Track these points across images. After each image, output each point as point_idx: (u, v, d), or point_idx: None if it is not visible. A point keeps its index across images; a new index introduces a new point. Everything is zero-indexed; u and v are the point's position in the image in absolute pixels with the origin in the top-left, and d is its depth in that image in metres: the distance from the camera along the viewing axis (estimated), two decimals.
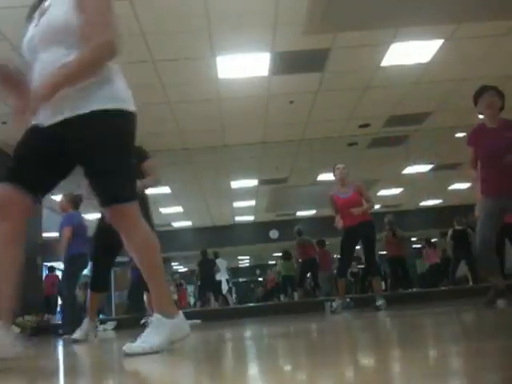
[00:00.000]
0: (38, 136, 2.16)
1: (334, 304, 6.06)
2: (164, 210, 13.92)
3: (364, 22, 5.65)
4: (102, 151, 2.07)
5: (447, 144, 10.36)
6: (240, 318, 7.14)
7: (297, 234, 10.86)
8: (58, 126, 2.09)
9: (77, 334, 4.30)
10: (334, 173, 6.24)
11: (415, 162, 11.34)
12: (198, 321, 5.99)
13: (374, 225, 6.17)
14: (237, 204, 14.29)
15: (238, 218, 16.27)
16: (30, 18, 2.25)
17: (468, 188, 13.95)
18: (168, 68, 6.27)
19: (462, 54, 6.66)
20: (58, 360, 2.87)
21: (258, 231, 16.62)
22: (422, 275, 14.96)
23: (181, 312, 2.35)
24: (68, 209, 6.47)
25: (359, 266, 13.81)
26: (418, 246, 17.23)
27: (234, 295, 17.74)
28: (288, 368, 1.49)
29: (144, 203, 4.14)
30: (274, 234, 16.38)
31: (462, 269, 11.23)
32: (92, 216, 13.30)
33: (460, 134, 9.88)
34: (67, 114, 2.07)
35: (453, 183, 13.72)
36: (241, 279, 26.93)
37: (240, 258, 25.07)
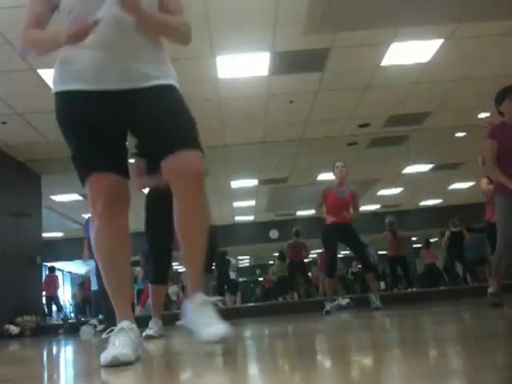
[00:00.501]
0: (96, 104, 1.91)
1: (327, 305, 5.97)
2: None
3: (364, 22, 5.65)
4: (175, 109, 1.94)
5: (447, 144, 10.37)
6: (240, 317, 7.14)
7: (294, 235, 10.87)
8: (128, 93, 1.90)
9: (151, 331, 3.85)
10: (333, 171, 6.15)
11: (415, 162, 11.33)
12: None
13: (354, 227, 6.07)
14: (237, 204, 14.29)
15: (237, 218, 16.27)
16: None
17: (468, 188, 13.97)
18: None
19: (461, 53, 6.66)
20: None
21: (257, 231, 16.62)
22: (421, 275, 14.96)
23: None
24: None
25: (360, 266, 13.81)
26: (418, 245, 17.23)
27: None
28: (286, 369, 1.49)
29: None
30: (273, 233, 16.38)
31: (458, 270, 11.29)
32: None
33: (460, 134, 9.89)
34: (143, 82, 1.91)
35: (453, 183, 13.72)
36: (241, 279, 26.93)
37: (240, 257, 25.08)
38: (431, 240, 14.98)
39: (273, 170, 11.26)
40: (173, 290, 12.29)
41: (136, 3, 1.82)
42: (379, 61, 6.69)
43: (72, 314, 14.15)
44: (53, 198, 11.60)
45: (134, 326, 1.89)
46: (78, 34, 1.77)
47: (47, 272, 13.27)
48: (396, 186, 13.75)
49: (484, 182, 6.00)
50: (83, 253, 6.64)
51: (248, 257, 25.87)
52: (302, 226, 11.76)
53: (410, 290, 10.09)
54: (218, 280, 11.81)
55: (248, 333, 3.69)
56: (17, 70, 6.14)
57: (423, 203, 15.58)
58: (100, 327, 7.76)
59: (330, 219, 5.79)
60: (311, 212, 16.31)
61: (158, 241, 3.91)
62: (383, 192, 14.00)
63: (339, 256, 12.17)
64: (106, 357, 1.72)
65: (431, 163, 11.77)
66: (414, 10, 5.38)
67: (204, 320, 1.80)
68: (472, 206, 13.97)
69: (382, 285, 10.65)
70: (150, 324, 3.91)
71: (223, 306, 5.89)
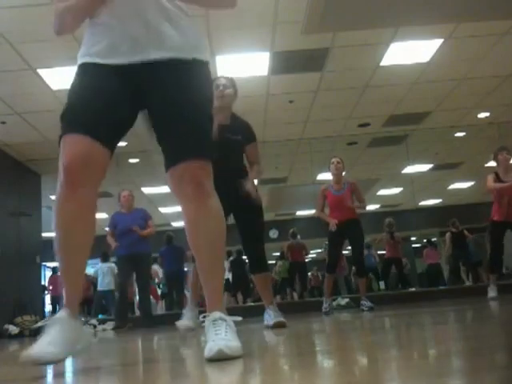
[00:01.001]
0: (107, 75, 1.77)
1: (325, 304, 5.82)
2: (164, 210, 13.92)
3: (363, 22, 5.65)
4: (194, 100, 1.77)
5: (447, 143, 10.38)
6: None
7: (291, 236, 10.85)
8: (143, 66, 1.76)
9: (186, 321, 3.70)
10: (329, 167, 6.00)
11: (415, 162, 11.34)
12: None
13: (361, 224, 5.91)
14: None
15: None
16: None
17: (468, 187, 13.98)
18: None
19: (461, 53, 6.66)
20: None
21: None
22: (421, 275, 14.97)
23: None
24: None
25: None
26: (418, 245, 17.24)
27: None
28: (285, 368, 1.49)
29: None
30: (273, 233, 16.38)
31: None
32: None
33: (459, 134, 9.90)
34: (159, 54, 1.76)
35: (452, 183, 13.72)
36: None
37: (237, 256, 25.06)
38: (432, 239, 14.98)
39: (272, 170, 11.26)
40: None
41: None
42: (379, 60, 6.70)
43: None
44: (53, 197, 11.56)
45: (72, 318, 1.68)
46: None
47: (51, 273, 13.37)
48: (396, 186, 13.75)
49: (490, 179, 5.91)
50: (111, 245, 6.66)
51: (243, 257, 25.85)
52: (302, 226, 11.75)
53: (410, 289, 10.11)
54: (233, 280, 11.64)
55: (247, 332, 3.68)
56: (17, 70, 6.14)
57: (423, 203, 15.57)
58: (100, 327, 7.75)
59: (332, 224, 5.64)
60: (311, 212, 16.34)
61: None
62: (383, 192, 14.01)
63: (344, 253, 12.20)
64: (26, 353, 1.53)
65: (431, 163, 11.78)
66: (413, 9, 5.38)
67: (210, 336, 1.68)
68: (472, 206, 13.98)
69: (382, 285, 10.65)
70: (185, 311, 3.68)
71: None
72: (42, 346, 1.55)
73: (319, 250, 13.24)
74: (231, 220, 3.58)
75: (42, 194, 9.91)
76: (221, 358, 1.57)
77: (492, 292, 6.11)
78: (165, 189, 11.22)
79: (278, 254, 13.40)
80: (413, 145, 10.14)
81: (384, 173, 12.25)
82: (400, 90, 7.70)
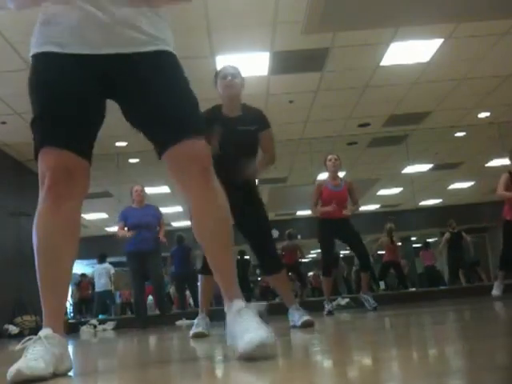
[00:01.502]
0: (74, 70, 1.66)
1: (327, 306, 5.71)
2: (164, 210, 13.89)
3: (363, 22, 5.64)
4: (173, 85, 1.71)
5: (447, 143, 10.37)
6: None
7: (287, 237, 10.86)
8: (111, 58, 1.66)
9: (200, 328, 3.46)
10: (325, 164, 5.88)
11: (415, 162, 11.34)
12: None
13: (352, 222, 5.75)
14: None
15: None
16: None
17: (468, 187, 13.97)
18: None
19: (461, 53, 6.65)
20: None
21: None
22: (421, 275, 14.97)
23: None
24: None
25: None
26: (418, 245, 17.24)
27: None
28: (285, 368, 1.49)
29: None
30: (274, 233, 16.34)
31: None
32: (91, 216, 13.33)
33: (459, 134, 9.90)
34: (131, 47, 1.68)
35: (452, 183, 13.72)
36: None
37: (239, 257, 25.06)
38: (431, 240, 14.98)
39: (272, 170, 11.24)
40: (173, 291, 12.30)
41: None
42: (379, 60, 6.69)
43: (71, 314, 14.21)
44: None
45: (57, 334, 1.59)
46: None
47: None
48: (396, 186, 13.74)
49: (502, 183, 5.87)
50: (122, 236, 6.42)
51: (248, 257, 25.84)
52: (302, 226, 11.74)
53: (410, 289, 10.13)
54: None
55: None
56: (16, 70, 6.13)
57: (423, 203, 15.57)
58: (100, 327, 7.75)
59: (329, 208, 5.49)
60: (311, 212, 16.36)
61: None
62: (383, 192, 14.00)
63: (344, 252, 12.23)
64: (10, 370, 1.42)
65: (431, 163, 11.78)
66: (413, 9, 5.38)
67: (242, 327, 1.54)
68: (472, 206, 13.99)
69: (382, 284, 10.66)
70: (197, 320, 3.53)
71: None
72: (27, 362, 1.45)
73: (319, 251, 13.24)
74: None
75: None
76: (263, 349, 1.46)
77: (497, 290, 6.04)
78: (165, 189, 11.22)
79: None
80: (413, 145, 10.14)
81: (384, 173, 12.25)
82: (400, 90, 7.69)
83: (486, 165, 11.66)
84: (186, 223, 15.13)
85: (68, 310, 13.37)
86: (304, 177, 11.70)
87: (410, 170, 11.78)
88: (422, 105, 8.36)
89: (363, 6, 5.27)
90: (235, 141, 3.39)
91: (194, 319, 3.61)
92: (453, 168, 12.05)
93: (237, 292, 1.70)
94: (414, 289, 12.04)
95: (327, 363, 1.56)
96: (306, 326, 3.29)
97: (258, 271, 24.96)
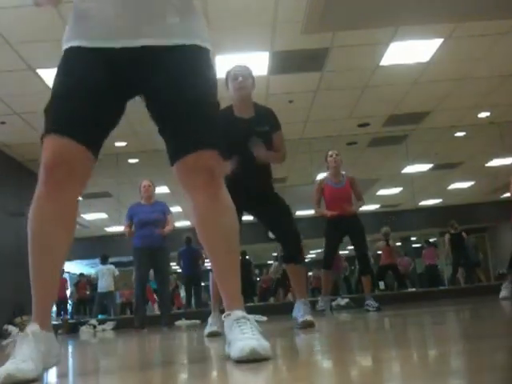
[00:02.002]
0: (99, 63, 1.65)
1: (321, 302, 5.56)
2: None
3: (363, 22, 5.64)
4: (195, 88, 1.68)
5: (447, 143, 10.37)
6: None
7: None
8: (141, 50, 1.64)
9: (215, 327, 3.44)
10: (326, 160, 5.77)
11: (415, 162, 11.34)
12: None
13: (361, 221, 5.66)
14: None
15: None
16: None
17: (468, 187, 13.97)
18: None
19: (461, 53, 6.65)
20: None
21: (257, 231, 16.59)
22: (421, 275, 14.97)
23: None
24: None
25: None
26: (418, 245, 17.24)
27: None
28: (285, 368, 1.48)
29: None
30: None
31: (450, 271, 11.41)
32: (91, 216, 13.32)
33: (459, 134, 9.89)
34: (160, 39, 1.65)
35: (452, 182, 13.72)
36: None
37: (241, 258, 25.06)
38: (431, 240, 14.98)
39: (272, 170, 11.24)
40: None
41: None
42: (378, 60, 6.69)
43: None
44: None
45: (45, 331, 1.57)
46: None
47: None
48: (395, 186, 13.74)
49: None
50: (128, 233, 6.27)
51: (248, 257, 25.87)
52: (302, 226, 11.71)
53: (410, 289, 10.16)
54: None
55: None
56: (16, 70, 6.14)
57: (423, 203, 15.58)
58: (100, 327, 7.75)
59: (329, 213, 5.44)
60: (311, 212, 16.34)
61: None
62: (383, 192, 14.00)
63: (344, 253, 12.24)
64: (0, 373, 1.40)
65: (431, 163, 11.78)
66: (413, 9, 5.38)
67: (237, 336, 1.56)
68: (472, 206, 13.98)
69: (382, 285, 10.66)
70: (211, 320, 3.51)
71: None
72: (16, 365, 1.43)
73: (319, 250, 13.22)
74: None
75: None
76: (254, 358, 1.47)
77: (505, 291, 5.93)
78: (165, 189, 11.21)
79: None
80: (413, 145, 10.14)
81: (384, 173, 12.24)
82: (400, 90, 7.69)
83: (486, 165, 11.66)
84: (186, 223, 15.17)
85: (68, 311, 13.39)
86: (304, 177, 11.70)
87: (409, 169, 11.78)
88: (421, 105, 8.35)
89: (363, 5, 5.26)
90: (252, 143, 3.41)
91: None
92: (453, 168, 12.05)
93: (238, 301, 1.70)
94: (414, 289, 12.03)
95: (327, 363, 1.56)
96: (306, 326, 3.27)
97: (257, 271, 25.01)
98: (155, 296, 10.09)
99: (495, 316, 3.27)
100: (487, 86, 7.76)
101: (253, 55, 6.27)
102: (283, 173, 11.62)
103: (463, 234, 10.54)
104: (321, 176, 11.19)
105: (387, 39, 6.18)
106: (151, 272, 6.70)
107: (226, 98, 3.75)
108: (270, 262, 22.58)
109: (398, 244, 16.40)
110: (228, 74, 3.62)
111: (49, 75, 6.32)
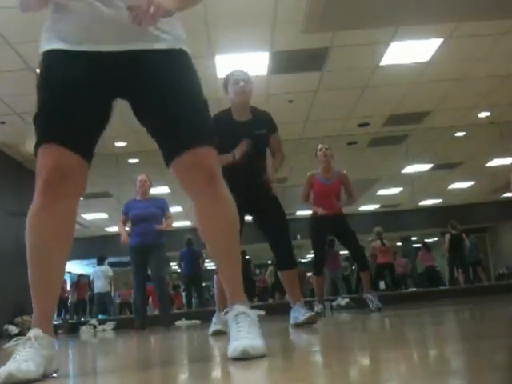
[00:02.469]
0: (80, 67, 1.63)
1: (317, 308, 5.31)
2: None
3: (363, 21, 5.64)
4: (184, 88, 1.68)
5: (447, 143, 10.37)
6: None
7: None
8: (127, 54, 1.63)
9: (219, 326, 3.44)
10: (316, 154, 5.57)
11: (415, 162, 11.34)
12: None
13: (345, 217, 5.42)
14: None
15: None
16: None
17: (468, 187, 13.97)
18: None
19: (461, 52, 6.65)
20: None
21: (257, 231, 16.58)
22: (421, 275, 14.97)
23: None
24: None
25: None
26: (418, 245, 17.24)
27: None
28: (284, 368, 1.48)
29: None
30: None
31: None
32: (91, 216, 13.31)
33: (459, 134, 9.89)
34: (141, 44, 1.65)
35: (452, 182, 13.72)
36: None
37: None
38: (431, 240, 14.98)
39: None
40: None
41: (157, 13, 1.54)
42: (378, 60, 6.69)
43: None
44: None
45: (47, 335, 1.58)
46: None
47: None
48: (395, 186, 13.75)
49: None
50: (122, 236, 6.03)
51: (248, 257, 25.86)
52: (301, 226, 11.71)
53: (410, 289, 10.18)
54: None
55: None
56: (16, 70, 6.13)
57: (423, 203, 15.59)
58: (100, 327, 7.75)
59: (320, 210, 5.18)
60: (311, 212, 16.37)
61: None
62: (383, 192, 14.00)
63: (342, 253, 12.23)
64: (1, 373, 1.41)
65: (431, 163, 11.78)
66: (413, 9, 5.38)
67: (233, 334, 1.61)
68: (472, 206, 13.98)
69: (382, 284, 10.67)
70: (215, 319, 3.54)
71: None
72: (17, 365, 1.43)
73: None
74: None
75: None
76: (244, 358, 1.51)
77: None
78: (165, 189, 11.21)
79: None
80: (413, 145, 10.14)
81: (384, 173, 12.24)
82: (400, 90, 7.69)
83: (486, 165, 11.66)
84: (186, 223, 15.17)
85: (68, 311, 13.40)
86: (303, 177, 11.64)
87: (409, 169, 11.79)
88: (421, 105, 8.35)
89: (363, 5, 5.26)
90: (252, 147, 3.46)
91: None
92: (453, 168, 12.05)
93: (240, 296, 1.72)
94: (414, 289, 12.03)
95: (327, 363, 1.56)
96: (310, 321, 3.29)
97: (257, 271, 25.01)
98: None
99: (495, 316, 3.27)
100: (487, 85, 7.76)
101: (253, 55, 6.27)
102: (283, 173, 11.62)
103: (463, 235, 10.59)
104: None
105: (387, 39, 6.18)
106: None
107: (223, 98, 3.74)
108: (269, 261, 22.62)
109: (399, 244, 16.41)
110: (228, 78, 3.68)
111: None
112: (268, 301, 12.86)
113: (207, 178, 1.65)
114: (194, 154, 1.63)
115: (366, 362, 1.50)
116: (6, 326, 7.76)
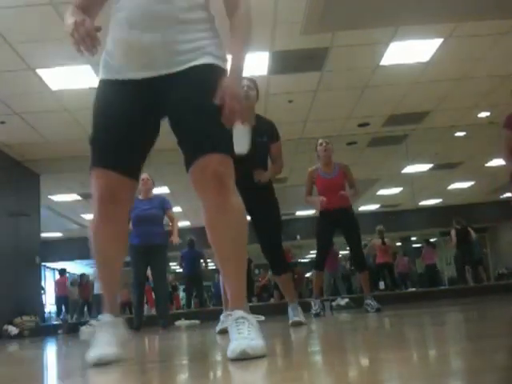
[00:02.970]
0: (125, 95, 1.84)
1: (314, 306, 5.23)
2: None
3: (363, 21, 5.64)
4: (204, 97, 1.79)
5: (447, 143, 10.37)
6: None
7: None
8: (160, 78, 1.81)
9: (225, 325, 3.51)
10: (316, 149, 5.49)
11: (415, 162, 11.34)
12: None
13: (355, 213, 5.36)
14: None
15: None
16: None
17: (468, 187, 13.97)
18: None
19: (461, 52, 6.65)
20: None
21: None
22: (421, 275, 14.97)
23: None
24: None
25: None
26: (418, 245, 17.24)
27: None
28: (284, 368, 1.48)
29: None
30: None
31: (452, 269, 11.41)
32: (90, 216, 13.30)
33: (459, 133, 9.89)
34: (178, 66, 1.81)
35: (452, 182, 13.73)
36: None
37: None
38: (431, 240, 14.98)
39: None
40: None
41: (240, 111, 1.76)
42: (378, 60, 6.69)
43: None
44: (51, 197, 11.59)
45: (119, 319, 1.92)
46: (80, 39, 1.70)
47: (57, 275, 13.73)
48: (395, 186, 13.75)
49: None
50: None
51: (248, 257, 25.90)
52: (302, 226, 11.74)
53: (410, 289, 10.17)
54: None
55: None
56: (16, 70, 6.13)
57: (423, 203, 15.61)
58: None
59: (320, 199, 5.08)
60: (311, 212, 16.35)
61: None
62: (383, 192, 14.00)
63: (343, 253, 12.25)
64: (91, 356, 1.75)
65: (431, 163, 11.78)
66: (413, 8, 5.38)
67: (233, 336, 1.68)
68: (472, 206, 13.99)
69: (382, 285, 10.67)
70: (222, 317, 3.67)
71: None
72: (101, 351, 1.75)
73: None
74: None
75: (41, 193, 9.90)
76: (244, 358, 1.55)
77: None
78: (165, 189, 11.22)
79: None
80: (413, 145, 10.13)
81: (384, 173, 12.24)
82: (400, 90, 7.69)
83: (486, 165, 11.66)
84: (186, 223, 15.21)
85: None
86: (303, 177, 11.64)
87: (409, 169, 11.79)
88: (421, 105, 8.35)
89: (362, 5, 5.26)
90: (252, 150, 3.51)
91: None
92: (453, 168, 12.05)
93: (240, 302, 1.79)
94: (413, 289, 12.03)
95: (327, 363, 1.56)
96: (296, 325, 3.59)
97: (256, 271, 25.03)
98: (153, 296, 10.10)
99: (495, 316, 3.27)
100: (487, 86, 7.76)
101: (253, 55, 6.27)
102: (283, 173, 11.59)
103: (469, 228, 10.53)
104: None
105: (387, 39, 6.18)
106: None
107: None
108: None
109: (398, 244, 16.41)
110: None
111: (48, 75, 6.32)
112: (269, 301, 12.85)
113: (218, 185, 1.72)
114: (208, 159, 1.72)
115: (365, 362, 1.50)
116: (5, 327, 7.75)
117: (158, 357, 2.43)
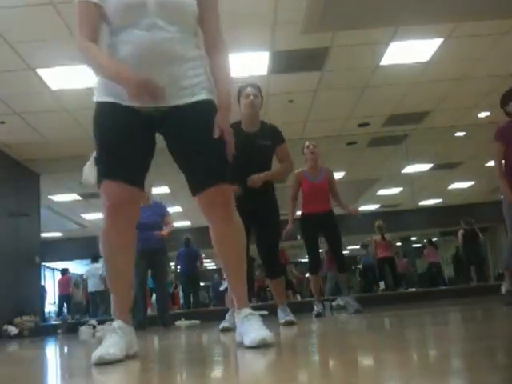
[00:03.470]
0: (127, 117, 2.03)
1: (316, 307, 5.30)
2: None
3: (363, 21, 5.64)
4: (208, 133, 2.01)
5: (447, 143, 10.37)
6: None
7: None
8: (163, 109, 2.02)
9: (227, 323, 3.92)
10: (303, 152, 5.54)
11: (415, 162, 11.34)
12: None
13: (335, 215, 5.39)
14: None
15: None
16: None
17: (468, 187, 13.97)
18: None
19: (461, 52, 6.65)
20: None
21: None
22: (421, 275, 14.98)
23: None
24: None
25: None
26: (418, 245, 17.25)
27: None
28: (284, 368, 1.48)
29: None
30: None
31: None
32: (91, 216, 13.31)
33: (459, 133, 9.89)
34: (181, 100, 2.02)
35: (452, 182, 13.73)
36: None
37: None
38: (433, 239, 14.99)
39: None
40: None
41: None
42: (378, 60, 6.69)
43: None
44: (51, 197, 11.59)
45: (127, 325, 2.02)
46: (135, 93, 1.85)
47: (60, 274, 13.76)
48: (395, 186, 13.75)
49: None
50: None
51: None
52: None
53: (410, 289, 10.16)
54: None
55: None
56: (16, 70, 6.13)
57: (423, 203, 15.62)
58: (100, 327, 7.74)
59: (289, 227, 5.39)
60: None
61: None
62: (383, 192, 14.00)
63: (343, 253, 12.24)
64: (94, 356, 1.85)
65: (431, 162, 11.78)
66: (413, 8, 5.38)
67: (248, 328, 1.98)
68: (472, 206, 13.98)
69: (382, 284, 10.66)
70: (227, 317, 4.00)
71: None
72: (106, 350, 1.85)
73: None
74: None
75: (41, 193, 9.90)
76: (263, 345, 1.86)
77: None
78: (165, 189, 11.22)
79: None
80: (413, 145, 10.13)
81: (384, 173, 12.24)
82: (400, 90, 7.69)
83: (486, 165, 11.64)
84: (186, 223, 15.17)
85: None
86: None
87: (409, 169, 11.79)
88: (421, 105, 8.35)
89: (363, 5, 5.26)
90: (255, 154, 3.83)
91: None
92: (453, 168, 12.05)
93: (245, 302, 2.12)
94: (413, 289, 12.03)
95: (327, 363, 1.56)
96: (287, 324, 3.71)
97: (257, 272, 25.08)
98: (152, 297, 10.09)
99: (495, 316, 3.27)
100: (487, 85, 7.75)
101: (253, 55, 6.27)
102: None
103: (477, 230, 10.57)
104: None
105: (387, 39, 6.18)
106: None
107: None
108: None
109: (398, 244, 16.42)
110: (241, 91, 3.97)
111: (48, 75, 6.32)
112: (268, 301, 12.87)
113: (223, 211, 2.04)
114: (217, 189, 2.00)
115: (365, 362, 1.50)
116: (5, 327, 7.75)
117: (159, 356, 2.44)
